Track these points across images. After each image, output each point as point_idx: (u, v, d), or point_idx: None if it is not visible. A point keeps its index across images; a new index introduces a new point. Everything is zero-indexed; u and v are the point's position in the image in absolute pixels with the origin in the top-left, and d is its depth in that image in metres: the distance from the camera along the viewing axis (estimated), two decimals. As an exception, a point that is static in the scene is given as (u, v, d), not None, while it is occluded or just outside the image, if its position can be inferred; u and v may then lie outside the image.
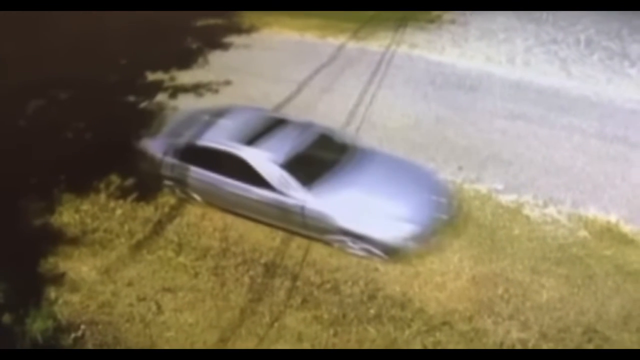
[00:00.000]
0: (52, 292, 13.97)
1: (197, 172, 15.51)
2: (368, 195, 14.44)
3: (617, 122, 17.73)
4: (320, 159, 15.20)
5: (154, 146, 16.42)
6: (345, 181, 14.66)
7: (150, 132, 17.23)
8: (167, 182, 16.18)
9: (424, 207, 14.47)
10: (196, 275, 14.32)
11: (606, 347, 12.57)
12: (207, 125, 16.03)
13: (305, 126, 15.79)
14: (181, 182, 15.91)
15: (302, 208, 14.35)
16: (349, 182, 14.65)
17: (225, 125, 15.89)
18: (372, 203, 14.30)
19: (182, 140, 15.91)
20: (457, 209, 15.03)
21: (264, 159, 14.73)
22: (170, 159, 15.85)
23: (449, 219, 14.62)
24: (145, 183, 16.37)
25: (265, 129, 15.52)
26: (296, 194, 14.40)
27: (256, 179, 14.65)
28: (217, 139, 15.43)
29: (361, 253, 14.25)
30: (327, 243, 14.56)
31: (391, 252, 14.05)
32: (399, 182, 14.94)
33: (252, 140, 15.19)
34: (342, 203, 14.28)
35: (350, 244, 14.27)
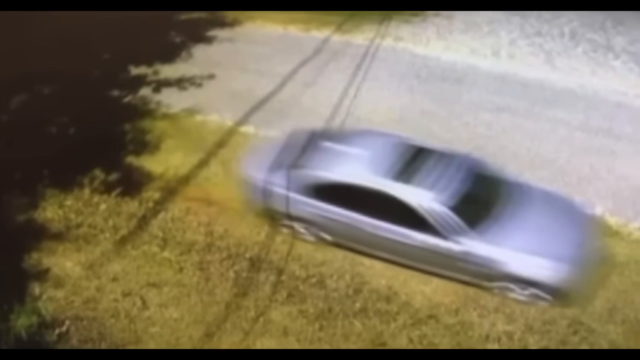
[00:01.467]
0: (36, 288, 13.91)
1: (333, 212, 13.97)
2: (532, 237, 13.31)
3: (601, 114, 17.76)
4: (478, 197, 13.77)
5: (266, 178, 14.73)
6: (508, 222, 13.42)
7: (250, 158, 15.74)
8: (285, 221, 14.72)
9: (583, 246, 13.41)
10: (181, 270, 14.29)
11: (591, 339, 12.66)
12: (336, 154, 14.35)
13: (450, 156, 14.21)
14: (309, 222, 14.40)
15: (468, 254, 13.12)
16: (511, 222, 13.43)
17: (359, 155, 14.11)
18: (538, 245, 13.17)
19: (310, 173, 14.28)
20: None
21: (427, 199, 13.25)
22: (296, 196, 14.26)
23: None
24: (129, 177, 16.26)
25: (407, 161, 13.94)
26: (464, 239, 13.13)
27: (415, 222, 13.25)
28: (358, 173, 13.76)
29: (526, 299, 13.36)
30: (487, 290, 13.62)
31: (560, 296, 13.12)
32: (557, 220, 13.82)
33: (399, 174, 13.63)
34: (509, 247, 13.10)
35: (516, 290, 13.27)
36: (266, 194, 14.70)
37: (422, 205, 13.21)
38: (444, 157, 14.10)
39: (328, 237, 14.49)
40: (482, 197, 13.86)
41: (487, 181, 14.15)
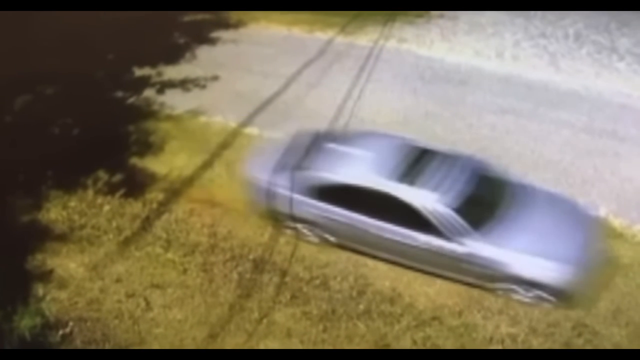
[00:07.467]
0: (39, 289, 13.93)
1: (337, 213, 14.00)
2: (537, 239, 13.30)
3: (606, 116, 17.75)
4: (482, 198, 13.71)
5: (270, 179, 14.73)
6: (512, 223, 13.44)
7: (255, 159, 15.78)
8: (289, 223, 14.77)
9: (587, 248, 13.41)
10: (185, 271, 14.30)
11: (595, 341, 12.64)
12: (339, 156, 14.40)
13: (454, 158, 14.22)
14: (313, 223, 14.41)
15: (472, 255, 13.13)
16: (515, 224, 13.44)
17: (363, 156, 14.15)
18: (542, 246, 13.17)
19: (314, 174, 14.32)
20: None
21: (431, 201, 13.25)
22: (300, 197, 14.32)
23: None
24: (133, 179, 16.25)
25: (411, 162, 13.95)
26: (467, 241, 13.14)
27: (419, 223, 13.26)
28: (362, 175, 13.79)
29: (530, 301, 13.34)
30: (491, 291, 13.60)
31: (564, 297, 13.11)
32: (562, 222, 13.83)
33: (403, 176, 13.63)
34: (513, 248, 13.11)
35: (520, 291, 13.26)
36: (270, 195, 14.68)
37: (426, 207, 13.20)
38: (448, 159, 14.12)
39: (332, 239, 14.47)
40: (486, 198, 13.81)
41: (490, 182, 14.12)
